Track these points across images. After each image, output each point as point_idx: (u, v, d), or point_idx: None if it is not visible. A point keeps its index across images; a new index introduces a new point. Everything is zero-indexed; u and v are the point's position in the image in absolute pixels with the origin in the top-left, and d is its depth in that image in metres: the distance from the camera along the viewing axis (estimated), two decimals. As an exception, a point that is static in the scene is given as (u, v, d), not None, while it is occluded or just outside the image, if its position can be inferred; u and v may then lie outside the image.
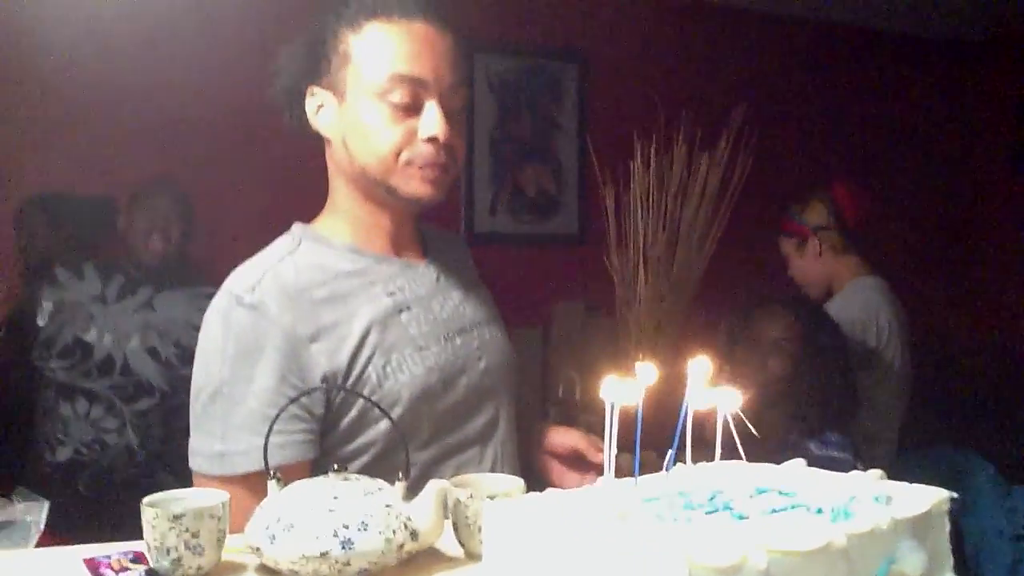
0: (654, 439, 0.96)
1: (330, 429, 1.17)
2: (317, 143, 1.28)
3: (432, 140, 1.18)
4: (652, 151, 2.09)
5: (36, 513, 0.82)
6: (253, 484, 1.05)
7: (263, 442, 1.00)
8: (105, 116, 2.66)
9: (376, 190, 1.23)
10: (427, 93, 1.18)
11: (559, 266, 3.42)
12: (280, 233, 1.29)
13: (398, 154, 1.19)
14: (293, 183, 2.63)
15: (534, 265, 3.37)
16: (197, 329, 2.27)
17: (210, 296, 1.93)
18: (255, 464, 1.05)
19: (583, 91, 3.53)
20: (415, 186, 1.20)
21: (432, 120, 1.18)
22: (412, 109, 1.18)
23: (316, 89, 1.22)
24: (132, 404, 2.28)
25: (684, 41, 3.66)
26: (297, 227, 1.28)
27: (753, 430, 0.90)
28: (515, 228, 3.45)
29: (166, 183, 2.46)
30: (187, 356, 2.26)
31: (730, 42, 3.71)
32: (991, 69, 4.36)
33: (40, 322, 2.28)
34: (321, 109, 1.23)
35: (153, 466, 2.29)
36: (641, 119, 2.13)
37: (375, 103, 1.18)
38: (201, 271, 2.45)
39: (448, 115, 1.19)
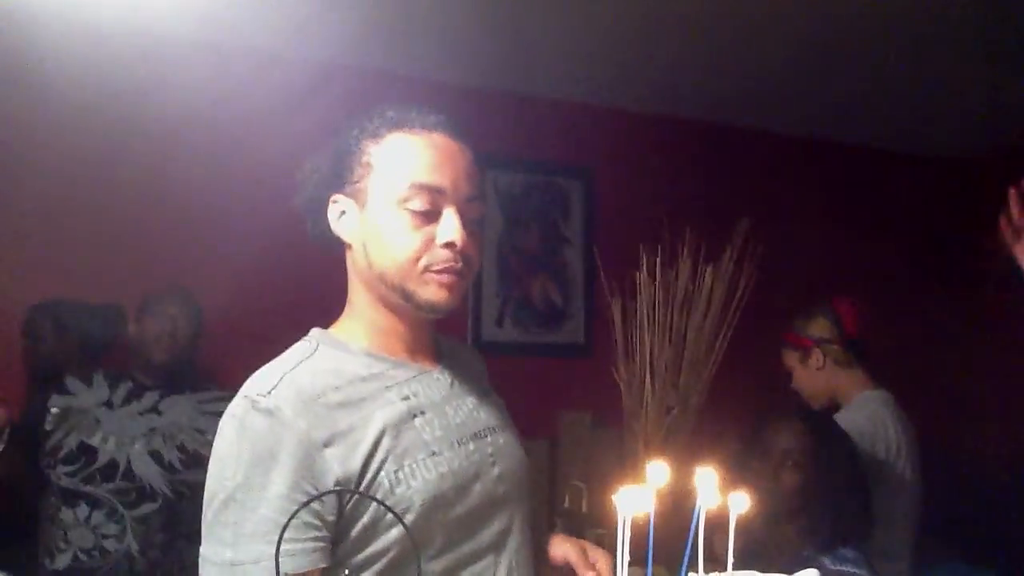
0: (664, 555, 0.96)
1: (341, 537, 1.15)
2: (331, 254, 1.32)
3: (450, 245, 1.21)
4: (658, 263, 2.14)
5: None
6: None
7: (274, 550, 1.00)
8: (115, 223, 2.73)
9: (393, 295, 1.25)
10: (445, 201, 1.22)
11: (566, 377, 3.43)
12: (288, 338, 1.32)
13: (417, 260, 1.21)
14: (305, 290, 2.70)
15: (541, 376, 3.38)
16: (201, 432, 2.31)
17: (216, 400, 1.95)
18: (266, 573, 1.05)
19: (589, 205, 3.61)
20: (432, 291, 1.23)
21: (450, 226, 1.21)
22: (431, 217, 1.21)
23: (339, 197, 1.26)
24: (134, 509, 2.25)
25: (688, 157, 3.76)
26: (315, 332, 1.30)
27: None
28: (522, 338, 3.47)
29: (178, 289, 2.50)
30: (190, 460, 2.29)
31: (733, 158, 3.82)
32: (993, 184, 4.44)
33: (47, 427, 2.29)
34: (343, 216, 1.27)
35: (153, 574, 2.26)
36: (647, 232, 2.19)
37: (395, 211, 1.21)
38: (210, 377, 2.48)
39: (464, 224, 1.23)
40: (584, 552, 1.36)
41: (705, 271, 2.17)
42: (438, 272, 1.22)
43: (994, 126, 3.91)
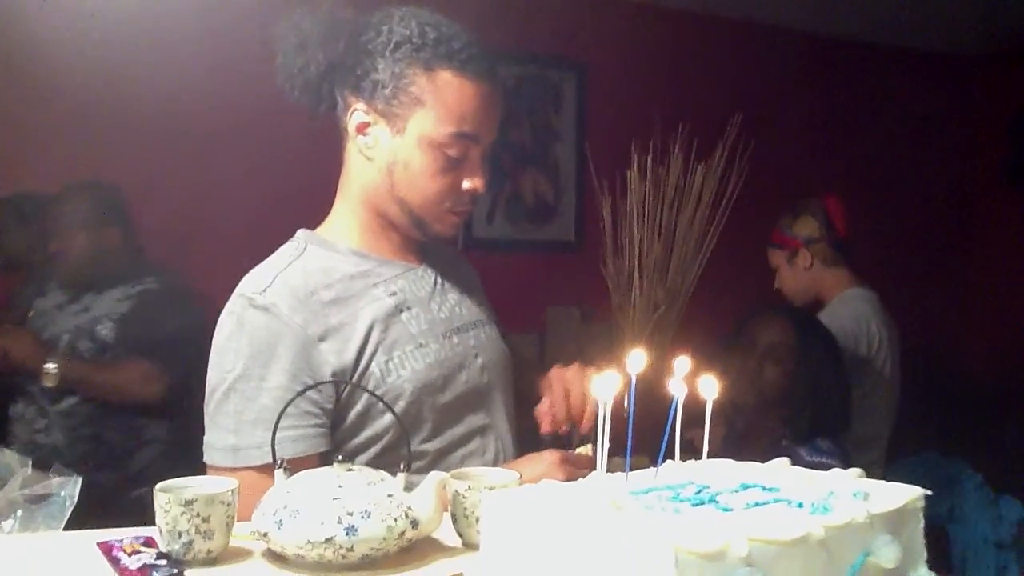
0: (645, 446, 1.00)
1: (338, 423, 1.23)
2: (315, 118, 1.32)
3: (473, 191, 1.28)
4: (649, 160, 2.13)
5: (71, 488, 0.86)
6: (264, 477, 1.09)
7: (276, 434, 1.06)
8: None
9: (403, 218, 1.30)
10: (476, 147, 1.28)
11: (555, 272, 3.46)
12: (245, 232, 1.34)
13: (443, 201, 1.28)
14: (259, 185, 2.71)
15: (530, 271, 3.42)
16: (114, 321, 2.32)
17: (141, 291, 2.01)
18: (267, 457, 1.10)
19: (582, 100, 3.57)
20: (444, 227, 1.31)
21: (477, 174, 1.28)
22: (461, 159, 1.27)
23: (366, 108, 1.27)
24: (56, 404, 2.28)
25: (681, 52, 3.71)
26: (302, 233, 1.35)
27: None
28: (512, 235, 3.49)
29: (90, 185, 2.46)
30: (100, 350, 2.29)
31: (727, 53, 3.77)
32: (986, 83, 4.42)
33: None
34: (368, 128, 1.28)
35: (81, 468, 2.30)
36: (638, 129, 2.17)
37: (433, 152, 1.25)
38: (157, 265, 2.47)
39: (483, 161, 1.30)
40: (563, 390, 1.33)
41: (696, 168, 2.16)
42: (457, 213, 1.30)
43: (993, 22, 3.84)
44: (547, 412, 1.33)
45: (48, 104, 2.66)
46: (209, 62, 2.73)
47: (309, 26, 1.28)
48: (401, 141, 1.26)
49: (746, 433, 2.03)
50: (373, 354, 1.23)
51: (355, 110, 1.27)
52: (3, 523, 0.83)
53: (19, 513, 0.83)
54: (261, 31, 1.34)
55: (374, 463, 1.20)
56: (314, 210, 1.40)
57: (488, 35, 1.35)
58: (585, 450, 1.29)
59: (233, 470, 1.16)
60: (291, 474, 1.01)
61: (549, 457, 1.26)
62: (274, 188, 2.76)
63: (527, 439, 1.43)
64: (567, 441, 1.36)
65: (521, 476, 1.10)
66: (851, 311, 2.50)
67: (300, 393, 1.13)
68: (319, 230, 1.35)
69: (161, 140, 2.76)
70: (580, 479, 1.18)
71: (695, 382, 0.94)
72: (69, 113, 2.67)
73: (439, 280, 1.38)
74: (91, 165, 2.62)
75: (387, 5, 1.30)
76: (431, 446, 1.28)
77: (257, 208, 2.68)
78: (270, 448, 1.06)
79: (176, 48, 2.75)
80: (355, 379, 1.21)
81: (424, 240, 1.35)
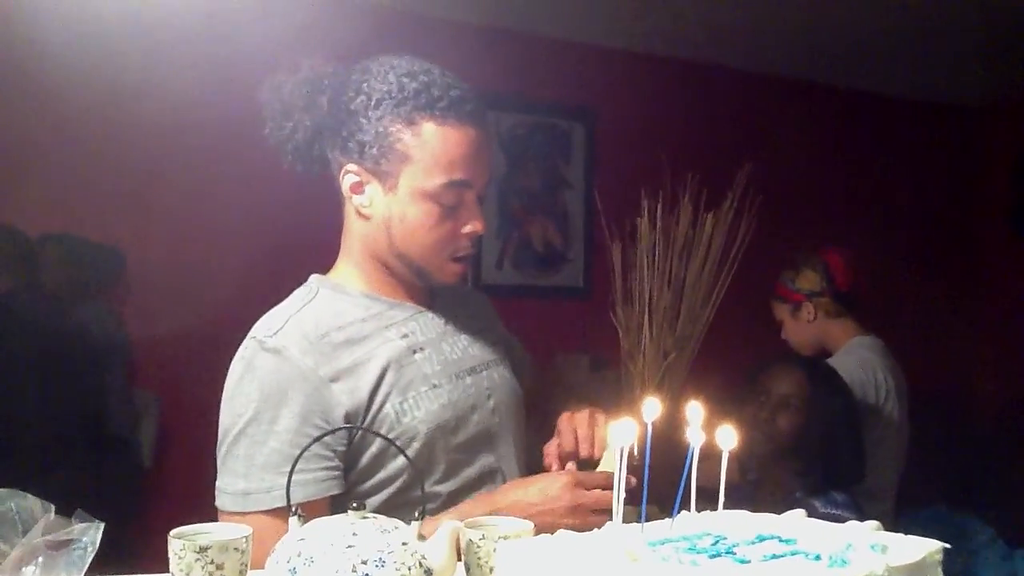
0: (658, 495, 0.99)
1: (352, 465, 1.23)
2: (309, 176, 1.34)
3: (472, 234, 1.29)
4: (659, 209, 2.15)
5: (92, 534, 0.86)
6: (274, 521, 1.09)
7: (285, 479, 1.05)
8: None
9: (405, 269, 1.32)
10: (470, 191, 1.28)
11: (564, 319, 3.47)
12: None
13: (443, 250, 1.29)
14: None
15: (539, 318, 3.41)
16: None
17: None
18: (278, 501, 1.10)
19: (591, 148, 3.61)
20: (446, 275, 1.32)
21: (475, 216, 1.29)
22: (456, 206, 1.28)
23: (358, 170, 1.28)
24: None
25: (691, 101, 3.75)
26: (314, 277, 1.37)
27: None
28: (521, 281, 3.50)
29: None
30: None
31: (736, 103, 3.81)
32: (989, 133, 4.46)
33: None
34: (361, 188, 1.29)
35: None
36: (648, 177, 2.19)
37: (428, 203, 1.26)
38: None
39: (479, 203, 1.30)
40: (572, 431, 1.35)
41: (706, 218, 2.18)
42: (458, 259, 1.31)
43: (995, 74, 3.89)
44: (555, 452, 1.34)
45: (43, 148, 2.70)
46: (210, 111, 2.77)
47: (291, 90, 1.29)
48: (395, 197, 1.27)
49: (759, 484, 2.01)
50: (388, 395, 1.24)
51: (347, 172, 1.29)
52: (24, 570, 0.82)
53: (40, 560, 0.82)
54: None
55: (388, 504, 1.22)
56: (321, 255, 1.41)
57: (497, 83, 1.37)
58: (599, 466, 1.29)
59: (243, 514, 1.16)
60: (305, 520, 1.01)
61: (563, 478, 1.24)
62: (281, 236, 2.79)
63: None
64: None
65: (534, 493, 1.16)
66: (859, 359, 2.50)
67: (316, 440, 1.13)
68: (330, 275, 1.37)
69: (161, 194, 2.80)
70: (591, 508, 1.20)
71: (710, 430, 0.94)
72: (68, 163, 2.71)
73: (449, 322, 1.39)
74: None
75: (370, 56, 1.30)
76: (444, 488, 1.28)
77: (263, 255, 2.71)
78: (280, 492, 1.06)
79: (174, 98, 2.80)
80: (369, 420, 1.22)
81: (422, 285, 1.36)
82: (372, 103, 1.24)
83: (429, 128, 1.24)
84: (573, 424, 1.34)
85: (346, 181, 1.29)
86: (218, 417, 1.25)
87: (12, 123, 2.66)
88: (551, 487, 1.22)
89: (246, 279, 2.36)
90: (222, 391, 1.26)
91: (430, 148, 1.24)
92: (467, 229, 1.29)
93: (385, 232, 1.29)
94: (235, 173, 2.76)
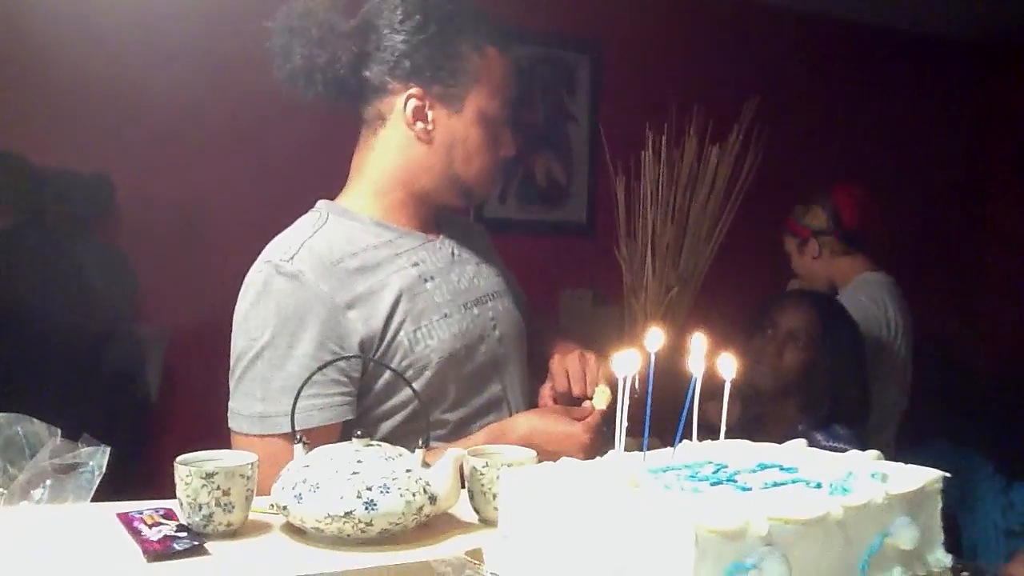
0: (661, 429, 1.00)
1: (365, 391, 1.25)
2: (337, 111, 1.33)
3: (508, 157, 1.36)
4: (663, 143, 2.12)
5: (99, 458, 0.87)
6: (289, 445, 1.10)
7: (303, 403, 1.09)
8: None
9: (449, 190, 1.34)
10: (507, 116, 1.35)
11: (568, 254, 3.46)
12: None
13: (495, 169, 1.36)
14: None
15: (543, 253, 3.40)
16: None
17: None
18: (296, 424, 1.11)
19: (596, 81, 3.56)
20: (489, 191, 1.41)
21: (511, 141, 1.36)
22: (503, 130, 1.35)
23: (416, 91, 1.29)
24: None
25: (697, 34, 3.68)
26: (322, 203, 1.35)
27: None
28: (525, 216, 3.48)
29: None
30: None
31: (742, 36, 3.74)
32: (1000, 69, 4.39)
33: None
34: (425, 112, 1.29)
35: None
36: (653, 111, 2.16)
37: (487, 126, 1.32)
38: None
39: None
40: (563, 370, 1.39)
41: (711, 151, 2.15)
42: (498, 178, 1.41)
43: (1006, 9, 3.80)
44: (548, 393, 1.38)
45: (51, 97, 2.65)
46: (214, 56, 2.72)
47: (327, 17, 1.26)
48: (459, 120, 1.30)
49: (761, 418, 2.02)
50: (402, 323, 1.25)
51: (411, 96, 1.29)
52: (33, 493, 0.83)
53: (48, 483, 0.84)
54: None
55: (399, 430, 1.24)
56: (322, 180, 1.41)
57: (502, 14, 1.37)
58: (592, 402, 1.31)
59: (261, 437, 1.17)
60: (310, 447, 1.02)
61: (553, 409, 1.31)
62: (280, 163, 2.77)
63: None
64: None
65: (525, 424, 1.21)
66: (868, 294, 2.50)
67: (326, 364, 1.14)
68: (339, 200, 1.36)
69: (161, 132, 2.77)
70: (586, 432, 1.22)
71: (712, 361, 0.94)
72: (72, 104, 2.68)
73: (456, 251, 1.40)
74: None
75: None
76: (452, 416, 1.30)
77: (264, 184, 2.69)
78: (299, 416, 1.08)
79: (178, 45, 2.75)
80: (383, 347, 1.23)
81: (464, 202, 1.41)
82: (448, 33, 1.28)
83: (492, 53, 1.31)
84: (564, 365, 1.38)
85: (409, 106, 1.29)
86: (222, 347, 1.25)
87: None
88: (544, 421, 1.27)
89: (243, 210, 2.33)
90: (227, 320, 1.25)
91: (495, 72, 1.31)
92: (506, 152, 1.36)
93: (445, 155, 1.31)
94: (229, 102, 2.73)
